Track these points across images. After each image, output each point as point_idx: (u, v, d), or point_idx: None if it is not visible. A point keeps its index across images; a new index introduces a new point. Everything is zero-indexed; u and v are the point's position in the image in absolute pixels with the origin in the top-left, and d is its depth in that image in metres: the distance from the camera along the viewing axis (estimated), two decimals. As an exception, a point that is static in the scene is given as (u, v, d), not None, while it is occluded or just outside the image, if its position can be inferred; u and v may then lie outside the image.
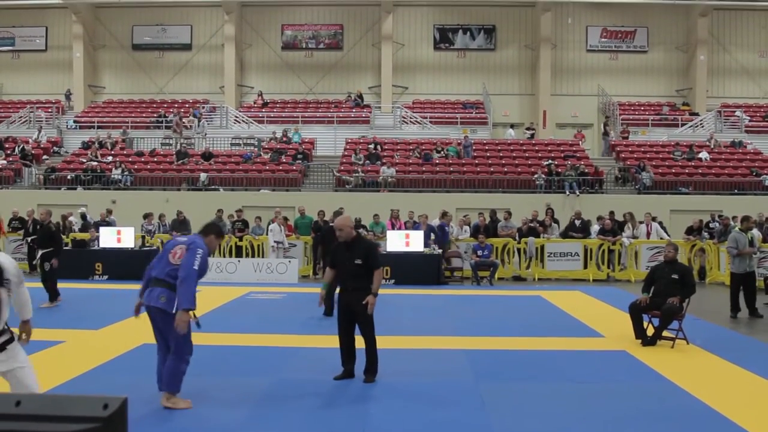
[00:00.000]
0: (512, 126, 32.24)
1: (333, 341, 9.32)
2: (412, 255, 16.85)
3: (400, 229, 18.87)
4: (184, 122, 30.16)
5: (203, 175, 25.23)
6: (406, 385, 7.10)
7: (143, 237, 18.53)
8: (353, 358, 7.27)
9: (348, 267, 7.06)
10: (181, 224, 19.30)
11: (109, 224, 18.97)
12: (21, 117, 31.72)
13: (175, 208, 20.57)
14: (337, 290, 7.17)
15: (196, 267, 5.98)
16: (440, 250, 17.77)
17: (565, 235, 18.77)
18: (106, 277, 16.93)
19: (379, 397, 6.73)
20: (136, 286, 15.59)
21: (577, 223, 18.95)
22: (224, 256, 18.35)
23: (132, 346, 8.92)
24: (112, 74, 35.64)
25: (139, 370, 7.66)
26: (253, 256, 18.53)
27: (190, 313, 6.11)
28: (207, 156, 26.86)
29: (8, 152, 27.47)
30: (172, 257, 6.16)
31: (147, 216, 19.20)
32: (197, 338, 9.52)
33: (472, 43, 34.59)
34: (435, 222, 19.28)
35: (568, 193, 24.08)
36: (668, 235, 19.04)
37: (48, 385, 6.86)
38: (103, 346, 8.96)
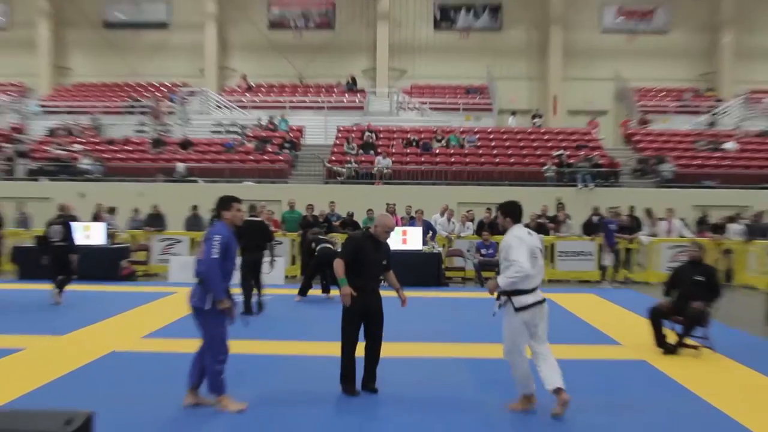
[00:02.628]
0: (514, 113, 32.18)
1: (323, 348, 9.28)
2: (409, 254, 16.77)
3: (396, 225, 18.77)
4: (161, 107, 30.00)
5: (181, 166, 25.11)
6: (401, 397, 7.01)
7: (113, 233, 18.41)
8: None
9: (376, 267, 7.29)
10: (155, 219, 19.19)
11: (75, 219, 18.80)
12: (-20, 101, 31.59)
13: (150, 201, 20.44)
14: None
15: (215, 255, 6.26)
16: (441, 248, 17.69)
17: (587, 233, 18.65)
18: (73, 277, 16.79)
19: (378, 409, 6.64)
20: (107, 288, 15.49)
21: (595, 219, 18.88)
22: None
23: (100, 354, 8.82)
24: (80, 54, 35.47)
25: (108, 381, 7.56)
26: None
27: (233, 310, 6.43)
28: (185, 144, 26.74)
29: (-34, 140, 27.31)
30: (200, 254, 6.45)
31: (111, 210, 19.07)
32: (168, 345, 9.60)
33: (475, 22, 34.51)
34: (436, 217, 19.20)
35: (580, 186, 24.03)
36: (691, 233, 19.00)
37: (5, 398, 6.74)
38: (67, 354, 8.85)
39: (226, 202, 6.62)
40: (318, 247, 14.30)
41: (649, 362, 8.81)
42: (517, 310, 6.54)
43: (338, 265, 7.04)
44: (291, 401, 6.94)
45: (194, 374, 6.63)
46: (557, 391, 6.44)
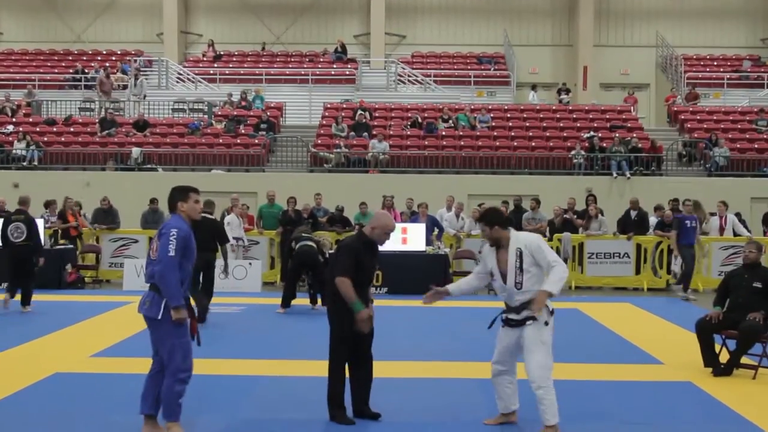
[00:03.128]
0: (535, 87, 32.20)
1: (304, 367, 9.30)
2: (411, 256, 16.79)
3: (395, 221, 18.80)
4: (111, 80, 29.97)
5: (136, 151, 25.09)
6: (403, 425, 7.05)
7: (56, 232, 18.39)
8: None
9: (371, 276, 7.37)
10: (105, 215, 19.19)
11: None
12: None
13: (99, 193, 20.42)
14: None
15: (171, 253, 6.30)
16: (447, 250, 17.74)
17: (622, 232, 18.68)
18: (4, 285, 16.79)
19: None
20: (48, 297, 15.48)
21: (633, 214, 18.90)
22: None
23: (40, 377, 8.83)
24: (11, 16, 35.38)
25: (49, 408, 7.59)
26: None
27: (194, 324, 6.58)
28: (141, 125, 26.70)
29: None
30: (153, 253, 6.49)
31: (49, 204, 18.98)
32: (120, 366, 9.60)
33: (490, -23, 34.52)
34: (442, 212, 19.23)
35: (615, 175, 24.05)
36: (749, 231, 19.04)
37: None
38: (1, 377, 8.87)
39: (182, 193, 6.67)
40: (297, 246, 14.31)
41: (696, 384, 8.82)
42: (552, 313, 6.80)
43: (344, 286, 6.91)
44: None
45: (149, 398, 6.57)
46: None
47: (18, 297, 13.86)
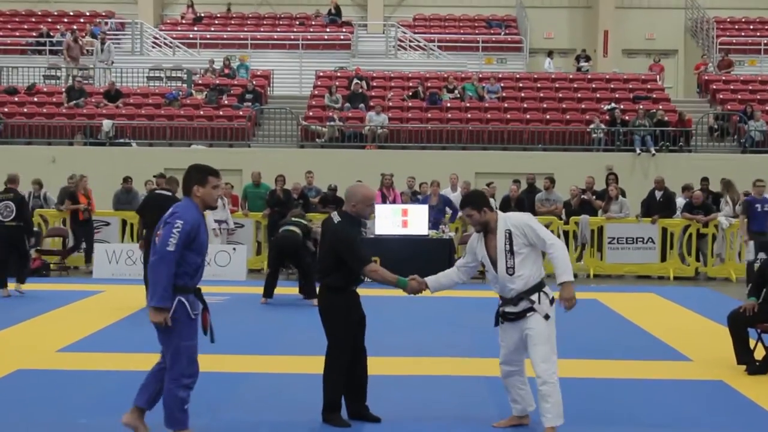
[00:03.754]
0: (551, 54, 32.04)
1: (292, 364, 9.29)
2: (412, 240, 16.76)
3: (394, 202, 18.74)
4: (80, 44, 29.85)
5: (107, 124, 25.01)
6: (403, 426, 7.04)
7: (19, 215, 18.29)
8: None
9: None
10: (74, 195, 19.12)
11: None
12: None
13: (66, 170, 20.37)
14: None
15: (171, 248, 6.20)
16: (452, 234, 17.72)
17: (646, 214, 18.65)
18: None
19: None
20: (10, 286, 15.47)
21: (659, 195, 18.87)
22: (92, 242, 18.25)
23: (2, 373, 8.83)
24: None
25: (12, 408, 7.59)
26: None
27: (206, 318, 6.53)
28: (113, 95, 26.61)
29: None
30: (157, 240, 6.38)
31: (10, 182, 18.85)
32: (89, 362, 9.59)
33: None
34: (446, 192, 19.19)
35: (638, 151, 24.01)
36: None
37: None
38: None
39: (201, 175, 6.52)
40: (279, 231, 14.33)
41: (728, 383, 8.82)
42: (552, 302, 6.80)
43: (377, 274, 6.97)
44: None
45: (146, 393, 6.57)
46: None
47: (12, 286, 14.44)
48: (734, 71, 30.28)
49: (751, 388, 8.60)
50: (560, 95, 27.61)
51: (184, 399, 6.38)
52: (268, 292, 14.37)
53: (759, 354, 9.39)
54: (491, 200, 19.00)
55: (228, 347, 10.43)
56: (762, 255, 16.64)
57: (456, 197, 19.18)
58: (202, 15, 33.62)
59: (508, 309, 6.82)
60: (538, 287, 6.75)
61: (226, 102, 26.62)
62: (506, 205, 18.22)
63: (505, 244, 6.71)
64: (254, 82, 27.42)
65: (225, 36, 32.05)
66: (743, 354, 9.46)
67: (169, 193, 13.66)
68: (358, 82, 27.25)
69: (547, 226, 18.77)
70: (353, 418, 7.17)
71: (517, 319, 6.78)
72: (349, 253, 6.95)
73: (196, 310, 6.40)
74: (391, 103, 26.54)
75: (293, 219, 14.68)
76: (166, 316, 6.24)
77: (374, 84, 28.19)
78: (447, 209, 18.20)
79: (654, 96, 27.48)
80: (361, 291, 7.27)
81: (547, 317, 6.70)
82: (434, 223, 17.49)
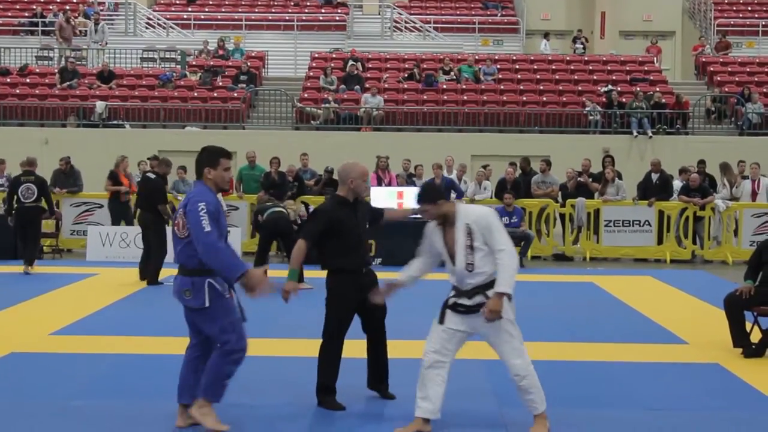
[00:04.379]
0: (547, 35, 31.95)
1: (286, 347, 9.30)
2: (407, 224, 16.72)
3: (390, 184, 18.70)
4: (73, 25, 29.72)
5: (100, 105, 24.93)
6: (399, 411, 7.05)
7: (12, 197, 18.22)
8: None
9: (362, 237, 7.48)
10: (67, 177, 19.09)
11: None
12: None
13: (59, 152, 20.30)
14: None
15: (207, 228, 6.15)
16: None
17: (643, 197, 18.64)
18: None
19: (366, 426, 6.69)
20: (3, 269, 15.43)
21: (655, 178, 18.86)
22: (132, 224, 18.19)
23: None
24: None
25: (5, 392, 7.60)
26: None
27: (232, 296, 6.45)
28: (106, 77, 26.52)
29: None
30: (177, 230, 6.36)
31: (29, 164, 18.82)
32: (83, 345, 9.59)
33: None
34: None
35: (635, 133, 24.00)
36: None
37: None
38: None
39: (212, 157, 6.51)
40: (266, 214, 14.24)
41: (724, 366, 8.85)
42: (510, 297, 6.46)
43: (297, 249, 7.05)
44: (249, 418, 6.97)
45: (186, 388, 6.54)
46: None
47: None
48: (732, 53, 30.23)
49: (747, 371, 8.61)
50: (557, 77, 27.56)
51: (230, 373, 6.40)
52: None
53: (755, 337, 9.40)
54: (486, 182, 19.08)
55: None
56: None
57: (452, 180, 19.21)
58: (197, -5, 33.51)
59: (461, 301, 6.51)
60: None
61: (220, 83, 26.54)
62: (502, 188, 18.22)
63: (465, 239, 6.41)
64: (249, 64, 27.32)
65: (219, 17, 31.93)
66: (739, 337, 9.46)
67: (154, 176, 14.31)
68: (354, 63, 27.19)
69: (543, 209, 18.97)
70: (371, 389, 7.46)
71: (468, 313, 6.48)
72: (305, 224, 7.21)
73: (225, 289, 6.35)
74: (386, 85, 26.48)
75: (268, 204, 14.58)
76: (255, 275, 6.30)
77: (370, 66, 28.11)
78: (452, 192, 18.08)
79: (651, 78, 27.46)
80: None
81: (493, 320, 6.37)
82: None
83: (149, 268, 14.05)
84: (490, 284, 6.36)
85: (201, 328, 6.44)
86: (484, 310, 6.29)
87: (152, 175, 14.45)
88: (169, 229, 17.19)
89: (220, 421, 6.40)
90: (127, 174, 18.54)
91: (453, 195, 17.99)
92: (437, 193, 6.71)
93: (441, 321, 6.57)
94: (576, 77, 27.57)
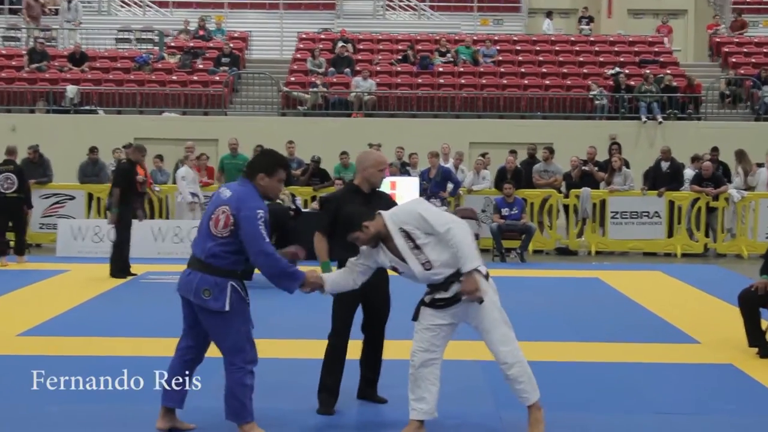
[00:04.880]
0: (550, 14, 31.95)
1: (279, 348, 9.29)
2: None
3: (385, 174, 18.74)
4: (42, 3, 29.64)
5: (72, 89, 24.87)
6: (395, 414, 7.06)
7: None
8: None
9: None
10: (35, 166, 19.03)
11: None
12: None
13: (27, 140, 20.25)
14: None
15: (267, 239, 6.23)
16: (445, 208, 17.71)
17: (652, 187, 18.67)
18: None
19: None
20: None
21: (665, 166, 18.88)
22: (106, 218, 18.18)
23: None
24: None
25: None
26: (152, 217, 18.37)
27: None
28: (78, 59, 26.47)
29: None
30: (215, 226, 6.33)
31: (9, 153, 18.83)
32: (53, 347, 9.58)
33: None
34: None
35: (644, 119, 24.02)
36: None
37: None
38: None
39: (271, 163, 6.48)
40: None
41: (738, 367, 8.86)
42: (487, 277, 6.49)
43: (317, 243, 7.18)
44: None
45: (175, 390, 6.55)
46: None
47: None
48: (748, 33, 30.26)
49: (762, 372, 8.62)
50: (561, 59, 27.56)
51: (252, 387, 6.38)
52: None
53: (772, 336, 9.45)
54: (485, 171, 19.08)
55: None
56: None
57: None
58: (175, -28, 33.44)
59: (438, 296, 6.49)
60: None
61: (200, 66, 26.51)
62: (502, 177, 18.23)
63: (407, 243, 6.37)
64: (231, 45, 27.28)
65: (199, -5, 31.90)
66: (755, 336, 9.48)
67: (128, 165, 14.64)
68: (344, 44, 27.17)
69: (545, 200, 18.98)
70: (360, 398, 7.51)
71: (448, 305, 6.47)
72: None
73: (246, 295, 6.38)
74: (378, 68, 26.46)
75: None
76: (318, 279, 6.51)
77: (360, 47, 28.08)
78: (448, 183, 18.06)
79: (661, 60, 27.47)
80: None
81: (481, 301, 6.36)
82: (431, 197, 17.40)
83: (117, 262, 14.32)
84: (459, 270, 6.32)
85: (212, 335, 6.42)
86: (463, 296, 6.30)
87: (125, 165, 14.77)
88: (185, 221, 17.49)
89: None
90: (142, 164, 18.55)
91: (449, 186, 17.99)
92: (363, 219, 6.52)
93: (414, 318, 6.58)
94: (581, 59, 27.57)
